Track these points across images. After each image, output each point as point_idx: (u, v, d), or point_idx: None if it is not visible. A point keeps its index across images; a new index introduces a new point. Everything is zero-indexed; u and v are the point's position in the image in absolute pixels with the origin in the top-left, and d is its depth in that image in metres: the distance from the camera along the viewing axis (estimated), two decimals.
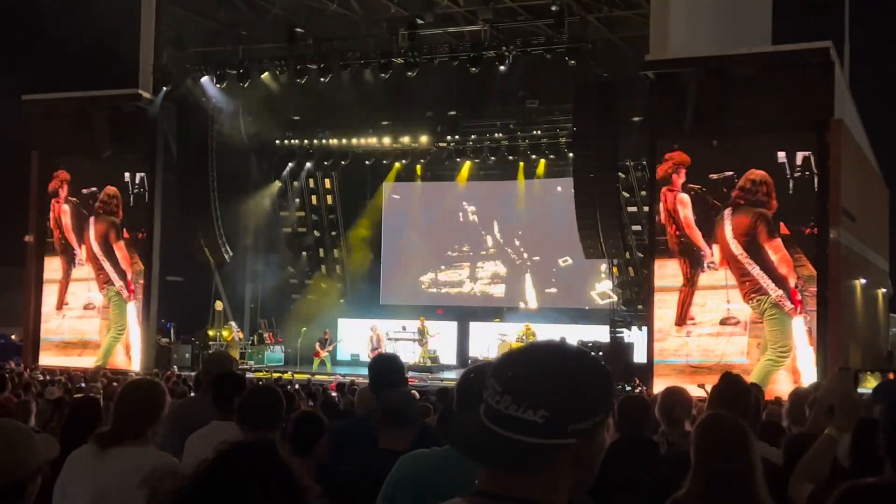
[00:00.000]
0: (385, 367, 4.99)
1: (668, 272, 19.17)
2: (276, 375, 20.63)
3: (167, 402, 4.17)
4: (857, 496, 2.11)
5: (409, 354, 25.20)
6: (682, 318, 18.93)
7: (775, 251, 18.17)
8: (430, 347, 25.89)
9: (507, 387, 1.73)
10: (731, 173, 18.59)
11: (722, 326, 18.54)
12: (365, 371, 5.18)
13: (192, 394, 9.62)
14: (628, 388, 19.08)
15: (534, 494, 1.74)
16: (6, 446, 2.76)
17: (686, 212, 18.98)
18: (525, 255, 27.88)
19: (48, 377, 16.63)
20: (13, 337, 29.20)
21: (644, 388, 18.78)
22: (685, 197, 19.01)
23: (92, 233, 24.20)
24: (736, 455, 3.29)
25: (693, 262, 18.89)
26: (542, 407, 1.70)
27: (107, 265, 24.05)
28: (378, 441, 4.09)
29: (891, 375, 14.15)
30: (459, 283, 28.67)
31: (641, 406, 5.16)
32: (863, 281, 21.28)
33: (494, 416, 1.72)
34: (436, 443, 3.42)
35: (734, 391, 4.57)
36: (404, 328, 26.14)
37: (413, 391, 4.78)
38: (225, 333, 25.77)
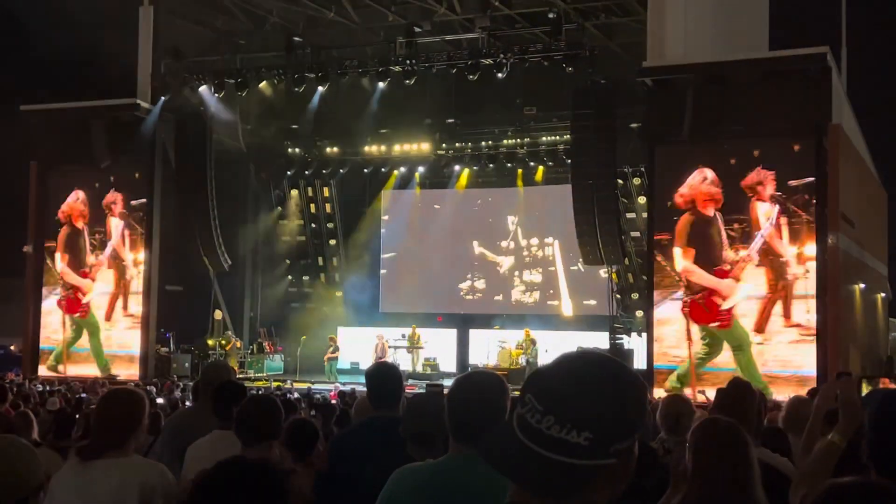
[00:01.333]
0: (383, 378, 4.97)
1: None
2: (276, 384, 20.61)
3: (146, 411, 4.15)
4: (839, 495, 2.10)
5: (409, 362, 25.24)
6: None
7: None
8: (429, 355, 25.87)
9: (549, 406, 1.67)
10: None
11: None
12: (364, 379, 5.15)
13: (189, 403, 9.63)
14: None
15: None
16: (9, 464, 2.75)
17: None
18: (524, 262, 27.87)
19: (47, 388, 16.61)
20: (12, 348, 29.16)
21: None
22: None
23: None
24: (732, 460, 3.28)
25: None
26: (586, 428, 1.64)
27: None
28: (400, 451, 4.04)
29: (885, 382, 14.16)
30: (459, 291, 28.64)
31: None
32: (862, 285, 21.29)
33: (535, 435, 1.66)
34: None
35: (737, 395, 4.56)
36: (403, 336, 26.13)
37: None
38: (224, 343, 25.76)
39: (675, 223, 19.23)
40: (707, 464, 3.31)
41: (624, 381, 1.72)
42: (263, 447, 4.10)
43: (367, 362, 24.64)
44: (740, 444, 3.33)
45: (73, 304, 24.38)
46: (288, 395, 11.27)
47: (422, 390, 19.75)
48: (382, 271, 29.73)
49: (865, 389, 17.45)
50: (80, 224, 24.43)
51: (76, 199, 24.45)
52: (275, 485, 2.09)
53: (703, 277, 19.03)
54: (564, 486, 1.66)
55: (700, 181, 19.14)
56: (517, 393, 1.84)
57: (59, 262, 24.55)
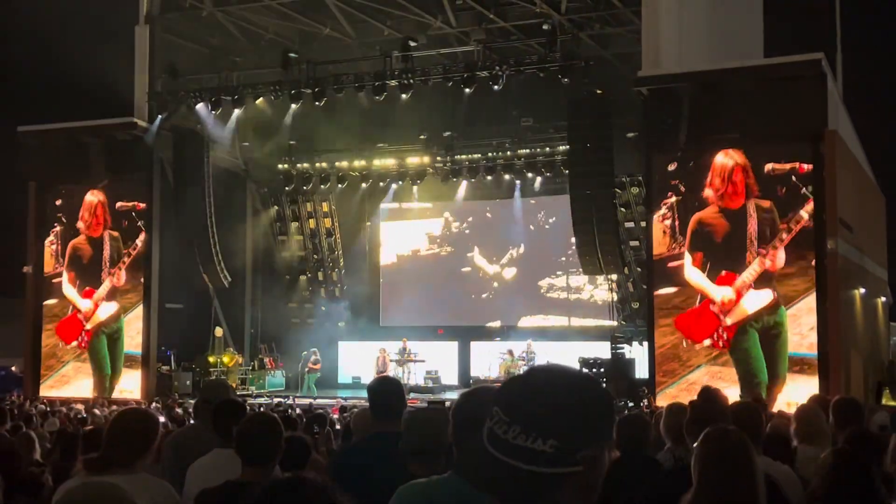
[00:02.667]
0: (386, 393, 4.97)
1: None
2: (277, 400, 20.59)
3: (159, 433, 4.17)
4: None
5: (411, 376, 25.24)
6: None
7: None
8: (431, 368, 25.87)
9: (514, 417, 1.72)
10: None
11: None
12: (366, 393, 5.15)
13: (192, 421, 9.61)
14: (630, 405, 19.06)
15: None
16: None
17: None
18: (524, 273, 27.86)
19: (49, 408, 16.58)
20: (13, 368, 29.13)
21: (651, 397, 18.78)
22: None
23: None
24: (740, 471, 3.26)
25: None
26: (551, 436, 1.69)
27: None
28: (402, 466, 4.04)
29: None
30: (459, 303, 28.62)
31: (641, 424, 5.14)
32: (862, 290, 21.29)
33: (502, 446, 1.71)
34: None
35: (711, 408, 4.53)
36: (398, 350, 26.16)
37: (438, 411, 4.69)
38: (226, 359, 25.74)
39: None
40: (713, 476, 3.28)
41: (587, 390, 1.79)
42: (265, 467, 4.09)
43: (368, 376, 24.63)
44: (748, 456, 3.30)
45: (71, 328, 24.31)
46: (289, 412, 11.24)
47: (423, 404, 19.77)
48: (382, 285, 29.75)
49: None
50: (85, 241, 24.37)
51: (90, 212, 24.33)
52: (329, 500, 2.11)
53: (699, 284, 18.95)
54: (532, 494, 1.71)
55: (720, 169, 18.93)
56: None
57: (65, 283, 24.49)
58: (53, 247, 24.68)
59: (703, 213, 18.98)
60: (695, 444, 3.56)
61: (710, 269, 18.83)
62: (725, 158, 18.81)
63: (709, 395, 4.73)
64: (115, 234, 24.11)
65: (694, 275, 18.98)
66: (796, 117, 18.26)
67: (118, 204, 24.09)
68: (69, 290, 24.39)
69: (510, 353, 24.99)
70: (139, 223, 23.88)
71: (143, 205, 23.84)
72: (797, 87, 18.39)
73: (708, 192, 18.93)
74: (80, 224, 24.39)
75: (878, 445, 4.90)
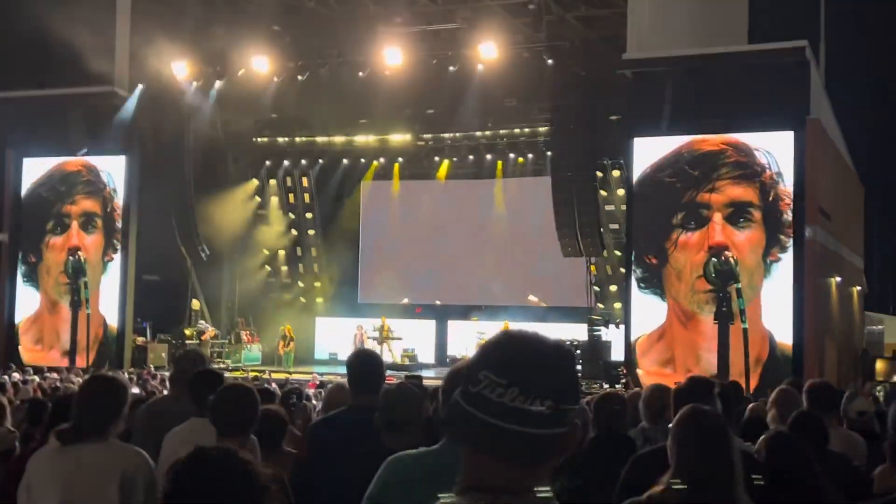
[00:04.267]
0: (365, 366, 4.96)
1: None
2: (252, 374, 20.55)
3: (129, 397, 4.15)
4: None
5: (387, 353, 25.25)
6: None
7: None
8: (408, 346, 25.91)
9: (511, 379, 1.72)
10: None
11: None
12: (343, 370, 5.13)
13: (166, 392, 9.57)
14: (606, 386, 19.14)
15: (531, 482, 1.74)
16: None
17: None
18: (503, 254, 27.86)
19: (22, 377, 16.48)
20: None
21: (629, 378, 18.86)
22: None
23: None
24: (716, 450, 3.27)
25: None
26: (549, 397, 1.71)
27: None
28: (380, 439, 4.04)
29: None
30: (438, 282, 28.62)
31: (618, 402, 5.16)
32: (838, 279, 21.42)
33: (496, 409, 1.70)
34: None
35: (698, 394, 4.53)
36: (374, 328, 26.17)
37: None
38: (197, 332, 25.63)
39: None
40: (689, 453, 3.29)
41: (566, 351, 1.82)
42: (241, 437, 4.07)
43: (345, 353, 24.60)
44: (724, 435, 3.31)
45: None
46: (265, 386, 11.22)
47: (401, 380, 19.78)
48: (361, 262, 29.71)
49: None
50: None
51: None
52: (243, 472, 2.14)
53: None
54: (536, 455, 1.72)
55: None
56: None
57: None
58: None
59: None
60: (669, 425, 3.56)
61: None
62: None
63: (695, 381, 4.73)
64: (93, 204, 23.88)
65: None
66: (779, 104, 18.31)
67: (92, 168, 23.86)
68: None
69: (486, 333, 25.02)
70: (116, 195, 23.66)
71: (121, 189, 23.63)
72: (780, 75, 18.45)
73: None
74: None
75: (823, 430, 4.92)
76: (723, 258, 18.49)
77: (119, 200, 23.66)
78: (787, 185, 18.27)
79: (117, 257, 23.59)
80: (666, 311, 18.99)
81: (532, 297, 26.92)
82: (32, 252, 24.34)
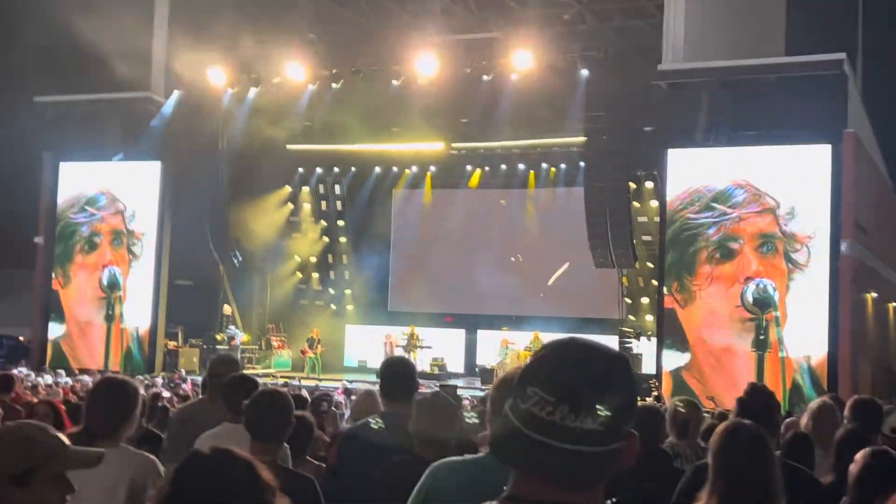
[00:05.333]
0: (398, 373, 4.93)
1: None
2: (283, 380, 20.59)
3: (139, 400, 4.12)
4: None
5: (417, 362, 25.19)
6: None
7: None
8: (437, 355, 25.85)
9: (561, 396, 1.63)
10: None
11: None
12: (372, 377, 5.11)
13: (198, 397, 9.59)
14: (639, 398, 19.01)
15: (581, 500, 1.66)
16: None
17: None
18: (534, 264, 27.74)
19: (54, 379, 16.61)
20: (21, 339, 29.22)
21: (660, 391, 18.76)
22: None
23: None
24: (755, 463, 3.22)
25: None
26: (602, 413, 1.63)
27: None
28: (412, 447, 4.01)
29: None
30: (469, 290, 28.54)
31: (656, 416, 5.10)
32: (874, 294, 21.17)
33: (548, 428, 1.62)
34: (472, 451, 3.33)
35: (761, 403, 4.48)
36: (404, 335, 26.15)
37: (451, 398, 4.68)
38: (245, 339, 25.77)
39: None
40: (731, 469, 3.24)
41: (622, 363, 1.72)
42: (275, 443, 4.06)
43: (374, 361, 24.63)
44: (765, 449, 3.26)
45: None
46: (297, 392, 11.22)
47: (431, 389, 19.73)
48: (392, 270, 29.70)
49: None
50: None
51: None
52: (244, 472, 2.12)
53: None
54: (590, 475, 1.65)
55: None
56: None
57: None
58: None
59: None
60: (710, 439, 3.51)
61: None
62: None
63: (756, 390, 4.67)
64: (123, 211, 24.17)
65: None
66: (815, 117, 18.15)
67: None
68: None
69: (517, 343, 24.97)
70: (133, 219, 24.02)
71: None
72: (817, 87, 18.29)
73: None
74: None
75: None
76: (761, 286, 18.40)
77: (136, 223, 23.90)
78: (801, 222, 18.22)
79: (147, 264, 23.81)
80: (689, 359, 19.01)
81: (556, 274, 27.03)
82: (60, 275, 24.73)
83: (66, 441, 2.48)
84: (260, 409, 4.03)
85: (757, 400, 4.50)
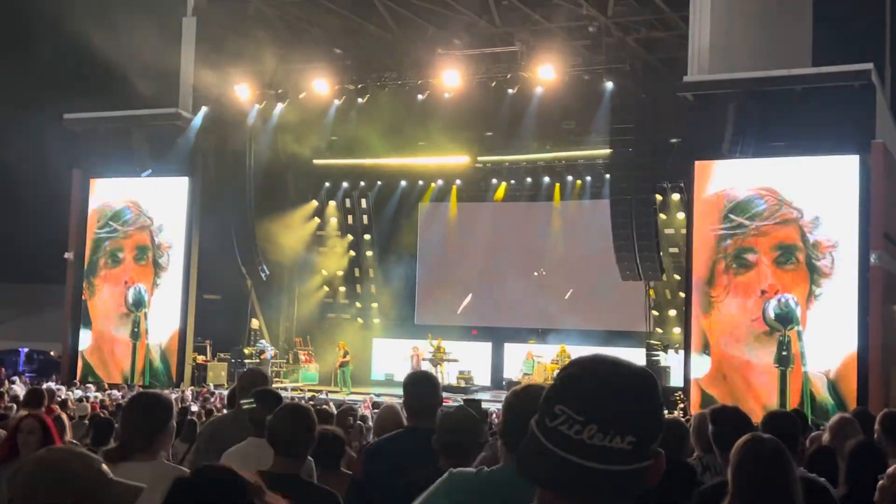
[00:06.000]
0: (422, 389, 4.94)
1: None
2: (310, 394, 20.67)
3: (173, 414, 4.15)
4: None
5: (444, 375, 25.19)
6: None
7: None
8: (463, 368, 25.82)
9: (589, 415, 1.62)
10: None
11: None
12: (400, 390, 5.12)
13: (226, 411, 9.65)
14: (666, 412, 18.92)
15: None
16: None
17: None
18: (561, 277, 27.68)
19: (84, 393, 16.76)
20: (52, 353, 29.50)
21: (687, 404, 18.68)
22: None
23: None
24: (776, 479, 3.20)
25: None
26: (629, 433, 1.61)
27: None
28: (437, 462, 4.01)
29: None
30: (495, 304, 28.53)
31: (680, 430, 5.08)
32: None
33: (575, 446, 1.61)
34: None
35: (782, 424, 4.44)
36: (431, 346, 26.14)
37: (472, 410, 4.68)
38: (258, 351, 25.86)
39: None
40: (749, 482, 3.23)
41: (650, 381, 1.71)
42: (298, 457, 4.08)
43: (401, 374, 24.61)
44: (785, 463, 3.25)
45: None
46: (323, 406, 11.26)
47: (457, 403, 19.71)
48: (418, 283, 29.73)
49: None
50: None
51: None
52: (234, 494, 2.16)
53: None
54: (618, 494, 1.63)
55: None
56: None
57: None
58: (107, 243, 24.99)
59: None
60: (731, 453, 3.49)
61: None
62: None
63: (774, 418, 4.64)
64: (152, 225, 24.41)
65: None
66: (843, 128, 18.05)
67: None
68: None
69: (544, 356, 24.92)
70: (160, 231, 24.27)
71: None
72: (845, 97, 18.17)
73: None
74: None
75: (883, 459, 4.78)
76: (783, 301, 18.31)
77: (164, 235, 24.12)
78: (826, 231, 18.12)
79: (175, 278, 24.02)
80: (709, 364, 18.93)
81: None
82: (86, 287, 24.99)
83: (109, 474, 2.43)
84: (282, 424, 4.05)
85: (772, 429, 4.46)
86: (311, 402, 15.58)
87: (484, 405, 8.86)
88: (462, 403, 4.54)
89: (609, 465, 1.60)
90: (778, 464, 3.25)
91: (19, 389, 15.55)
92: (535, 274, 27.81)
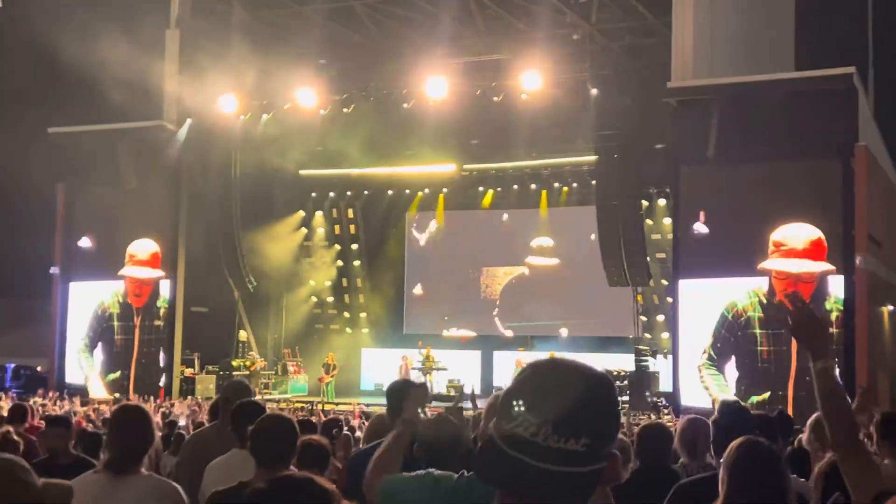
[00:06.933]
0: (403, 395, 4.93)
1: None
2: (298, 405, 20.60)
3: (154, 424, 4.20)
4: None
5: (434, 384, 25.18)
6: None
7: None
8: (453, 376, 25.79)
9: (544, 418, 1.65)
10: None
11: None
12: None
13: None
14: (654, 417, 18.95)
15: None
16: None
17: None
18: (548, 284, 27.71)
19: (72, 409, 16.66)
20: (39, 369, 29.33)
21: (671, 409, 18.70)
22: None
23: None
24: (768, 483, 3.18)
25: None
26: (583, 435, 1.64)
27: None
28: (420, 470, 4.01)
29: None
30: (483, 312, 28.55)
31: (662, 434, 5.07)
32: (890, 307, 21.03)
33: (531, 449, 1.64)
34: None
35: (738, 424, 4.45)
36: (420, 354, 26.13)
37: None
38: (248, 364, 25.79)
39: None
40: (743, 487, 3.21)
41: (605, 384, 1.74)
42: (279, 468, 4.06)
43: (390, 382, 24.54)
44: (777, 468, 3.23)
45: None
46: (311, 418, 11.23)
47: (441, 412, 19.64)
48: (406, 292, 29.72)
49: None
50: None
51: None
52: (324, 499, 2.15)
53: None
54: (570, 494, 1.65)
55: None
56: None
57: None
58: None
59: None
60: (722, 458, 3.47)
61: None
62: None
63: (730, 409, 4.64)
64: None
65: None
66: (827, 131, 18.12)
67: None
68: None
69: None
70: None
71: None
72: (828, 101, 18.25)
73: None
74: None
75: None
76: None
77: (150, 249, 24.09)
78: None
79: (162, 291, 23.94)
80: None
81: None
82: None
83: (37, 480, 2.48)
84: (263, 435, 4.05)
85: (728, 419, 4.46)
86: (302, 413, 15.57)
87: (469, 413, 8.81)
88: (443, 411, 4.55)
89: (563, 466, 1.63)
90: (771, 468, 3.23)
91: (5, 405, 15.46)
92: (519, 280, 27.83)
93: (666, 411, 19.12)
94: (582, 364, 1.77)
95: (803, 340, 2.96)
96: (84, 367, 24.69)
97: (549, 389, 1.69)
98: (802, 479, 4.72)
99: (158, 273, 24.01)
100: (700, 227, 18.82)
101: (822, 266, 18.01)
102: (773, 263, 18.32)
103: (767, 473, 3.22)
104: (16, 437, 7.45)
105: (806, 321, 2.93)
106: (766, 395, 17.62)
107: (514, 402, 1.70)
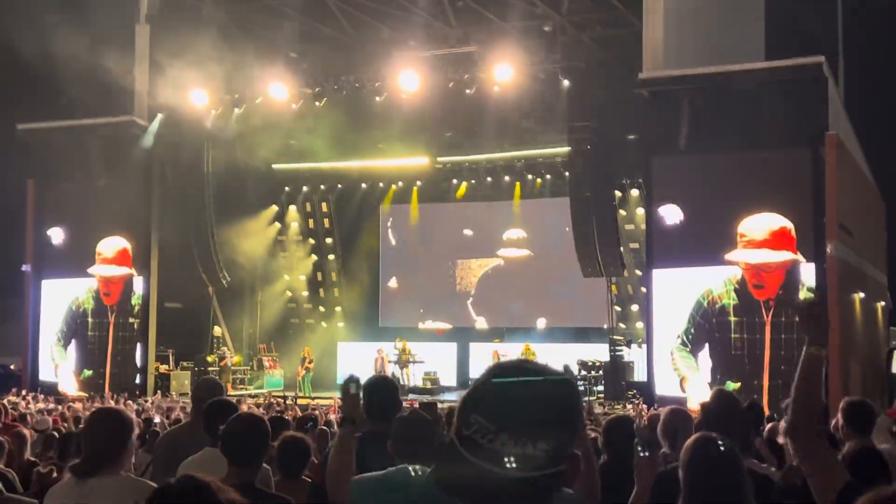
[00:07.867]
0: (379, 392, 4.95)
1: None
2: (274, 401, 20.52)
3: (133, 427, 4.17)
4: None
5: (410, 377, 25.18)
6: None
7: None
8: (429, 369, 25.80)
9: (501, 425, 1.64)
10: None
11: None
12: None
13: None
14: (629, 407, 19.06)
15: None
16: None
17: None
18: (523, 275, 27.78)
19: (47, 407, 16.55)
20: (12, 367, 29.10)
21: (640, 400, 18.81)
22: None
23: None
24: (725, 480, 3.20)
25: None
26: (541, 440, 1.63)
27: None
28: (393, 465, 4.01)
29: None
30: (458, 304, 28.60)
31: (628, 425, 5.08)
32: (861, 295, 21.23)
33: (490, 455, 1.63)
34: None
35: (722, 408, 4.50)
36: (396, 347, 26.11)
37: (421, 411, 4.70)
38: (232, 359, 25.71)
39: None
40: (699, 483, 3.23)
41: (562, 387, 1.72)
42: (251, 467, 4.06)
43: (367, 377, 24.49)
44: (733, 465, 3.24)
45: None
46: (283, 414, 11.20)
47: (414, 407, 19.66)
48: (381, 285, 29.71)
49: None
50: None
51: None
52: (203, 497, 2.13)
53: None
54: (531, 498, 1.65)
55: None
56: None
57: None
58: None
59: None
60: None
61: None
62: None
63: (722, 397, 4.67)
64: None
65: None
66: (797, 120, 18.24)
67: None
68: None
69: (508, 355, 24.94)
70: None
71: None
72: (798, 91, 18.37)
73: None
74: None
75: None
76: None
77: (123, 246, 23.91)
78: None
79: (135, 287, 23.79)
80: None
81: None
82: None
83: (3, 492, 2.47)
84: (235, 434, 4.04)
85: (720, 405, 4.51)
86: (279, 408, 15.52)
87: (445, 406, 8.86)
88: (415, 407, 4.58)
89: (523, 472, 1.62)
90: (727, 465, 3.24)
91: None
92: (494, 272, 27.88)
93: (636, 402, 19.23)
94: (542, 367, 1.75)
95: (808, 327, 3.18)
96: (56, 357, 24.48)
97: (505, 396, 1.68)
98: (773, 468, 4.76)
99: (127, 270, 23.83)
100: (669, 211, 18.91)
101: (784, 256, 18.14)
102: (735, 255, 18.51)
103: (721, 471, 3.23)
104: None
105: (817, 313, 3.21)
106: (738, 384, 17.70)
107: (472, 409, 1.69)
